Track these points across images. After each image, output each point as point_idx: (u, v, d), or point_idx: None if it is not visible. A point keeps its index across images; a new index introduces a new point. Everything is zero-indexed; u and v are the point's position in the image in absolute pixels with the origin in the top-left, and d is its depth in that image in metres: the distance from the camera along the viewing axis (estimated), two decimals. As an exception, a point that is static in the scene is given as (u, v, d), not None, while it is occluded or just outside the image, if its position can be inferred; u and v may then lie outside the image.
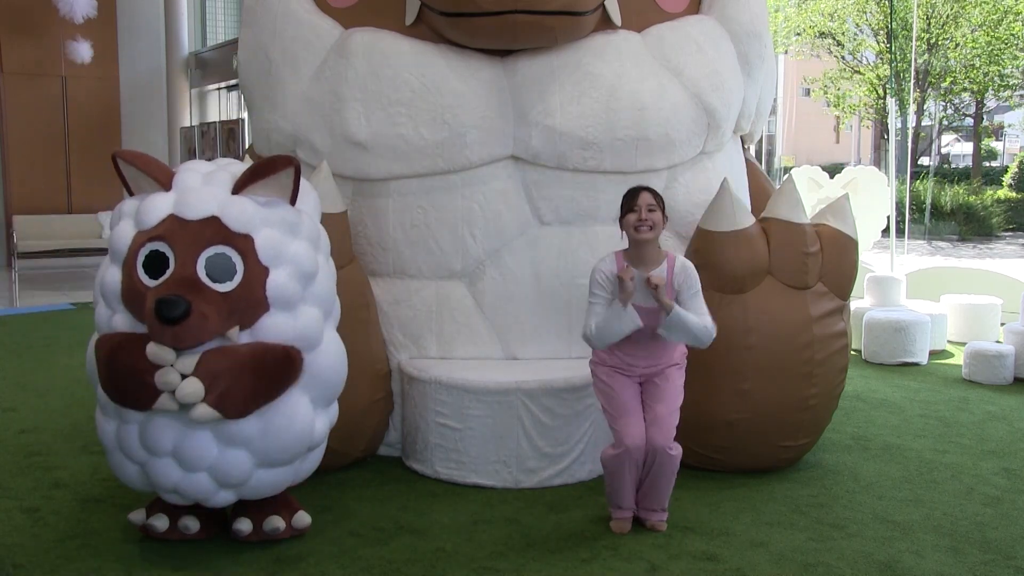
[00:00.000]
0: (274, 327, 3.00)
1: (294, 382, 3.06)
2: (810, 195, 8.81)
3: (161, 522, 3.24)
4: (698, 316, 3.31)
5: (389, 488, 3.88)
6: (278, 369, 2.99)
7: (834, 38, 20.48)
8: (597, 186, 4.08)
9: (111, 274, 3.06)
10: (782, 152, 19.77)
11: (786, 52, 20.29)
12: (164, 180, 3.08)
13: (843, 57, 20.76)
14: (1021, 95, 20.83)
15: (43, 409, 5.19)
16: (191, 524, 3.24)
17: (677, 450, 3.36)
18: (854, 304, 6.57)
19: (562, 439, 3.86)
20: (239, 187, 3.05)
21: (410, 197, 4.10)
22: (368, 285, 4.09)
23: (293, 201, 3.12)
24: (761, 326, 3.80)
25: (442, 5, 3.85)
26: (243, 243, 2.95)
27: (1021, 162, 20.94)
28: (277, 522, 3.26)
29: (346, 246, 3.97)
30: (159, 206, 3.00)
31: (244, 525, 3.24)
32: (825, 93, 21.21)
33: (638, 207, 3.30)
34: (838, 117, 22.66)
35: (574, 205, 4.10)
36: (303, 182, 3.18)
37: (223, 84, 13.82)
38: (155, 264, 2.93)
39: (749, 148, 5.02)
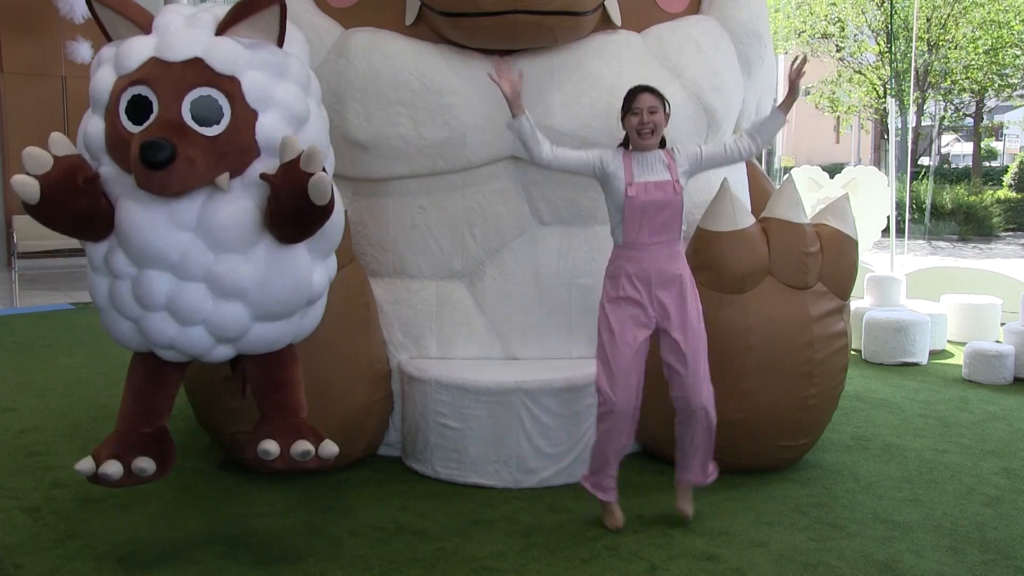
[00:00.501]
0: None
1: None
2: (810, 195, 8.82)
3: (115, 468, 2.99)
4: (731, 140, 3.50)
5: (389, 488, 3.89)
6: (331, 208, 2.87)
7: (836, 43, 20.48)
8: (597, 186, 4.07)
9: (93, 124, 2.91)
10: (782, 152, 19.77)
11: (786, 52, 20.29)
12: (144, 23, 2.93)
13: (843, 59, 20.76)
14: (1021, 95, 20.83)
15: (43, 409, 5.19)
16: (146, 466, 3.03)
17: (714, 408, 3.40)
18: (854, 304, 6.57)
19: (562, 439, 3.86)
20: (222, 28, 2.90)
21: (410, 197, 4.11)
22: (368, 285, 4.09)
23: (280, 43, 3.00)
24: (761, 326, 3.80)
25: (442, 5, 3.85)
26: (229, 85, 2.82)
27: (1021, 162, 20.94)
28: (306, 445, 3.05)
29: (346, 246, 3.97)
30: (139, 49, 2.86)
31: (271, 446, 3.03)
32: (821, 98, 21.22)
33: (639, 109, 3.32)
34: (838, 118, 22.66)
35: (574, 205, 4.11)
36: (290, 26, 3.06)
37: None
38: (138, 109, 2.79)
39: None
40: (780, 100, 3.61)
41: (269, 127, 2.88)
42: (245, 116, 2.84)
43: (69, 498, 3.77)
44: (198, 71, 2.81)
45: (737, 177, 4.52)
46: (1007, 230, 19.06)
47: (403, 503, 3.72)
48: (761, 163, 9.22)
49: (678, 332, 3.39)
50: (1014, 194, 20.02)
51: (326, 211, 2.85)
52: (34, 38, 12.27)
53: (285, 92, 2.96)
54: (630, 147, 3.47)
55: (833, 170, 10.78)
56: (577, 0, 3.83)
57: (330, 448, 3.10)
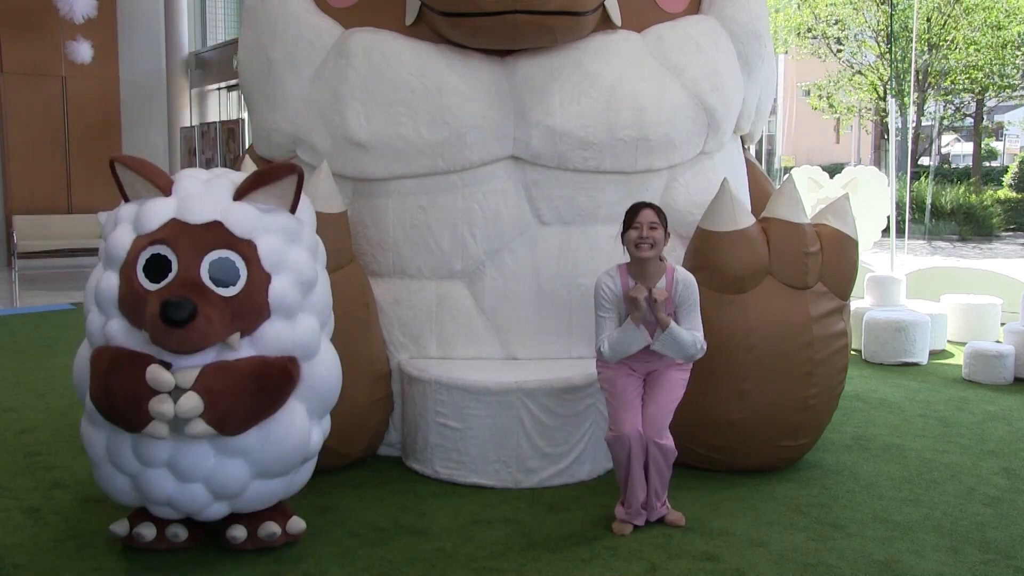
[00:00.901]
0: (274, 334, 2.98)
1: (291, 394, 3.04)
2: (810, 195, 8.81)
3: (149, 531, 3.17)
4: (691, 332, 3.35)
5: (389, 488, 3.88)
6: (278, 385, 2.98)
7: (837, 41, 20.48)
8: (597, 186, 4.08)
9: (107, 280, 3.00)
10: (782, 152, 19.77)
11: (786, 52, 20.29)
12: (164, 186, 3.04)
13: (844, 59, 20.76)
14: (1022, 95, 20.83)
15: (43, 409, 5.19)
16: (179, 532, 3.18)
17: (668, 441, 3.40)
18: (854, 304, 6.57)
19: (562, 439, 3.86)
20: (241, 193, 3.03)
21: (410, 197, 4.10)
22: (368, 285, 4.09)
23: (293, 210, 3.11)
24: (761, 326, 3.80)
25: (442, 5, 3.85)
26: (246, 248, 2.94)
27: (1021, 162, 20.93)
28: (273, 527, 3.21)
29: (346, 246, 3.98)
30: (160, 210, 2.97)
31: (239, 532, 3.19)
32: (820, 99, 21.21)
33: (639, 224, 3.32)
34: (838, 119, 22.65)
35: (574, 205, 4.11)
36: (302, 194, 3.17)
37: (223, 84, 13.83)
38: (156, 268, 2.89)
39: (749, 148, 5.02)
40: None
41: (281, 290, 3.00)
42: (260, 279, 2.95)
43: (69, 498, 3.77)
44: (217, 234, 2.93)
45: (737, 177, 4.51)
46: (1007, 230, 19.06)
47: (403, 503, 3.72)
48: (761, 163, 9.23)
49: (649, 378, 3.44)
50: (1014, 194, 20.01)
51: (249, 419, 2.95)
52: (34, 38, 12.27)
53: (297, 257, 3.07)
54: (630, 264, 3.42)
55: (833, 170, 10.77)
56: (577, 0, 3.83)
57: (297, 524, 3.26)
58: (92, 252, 11.37)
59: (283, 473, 3.12)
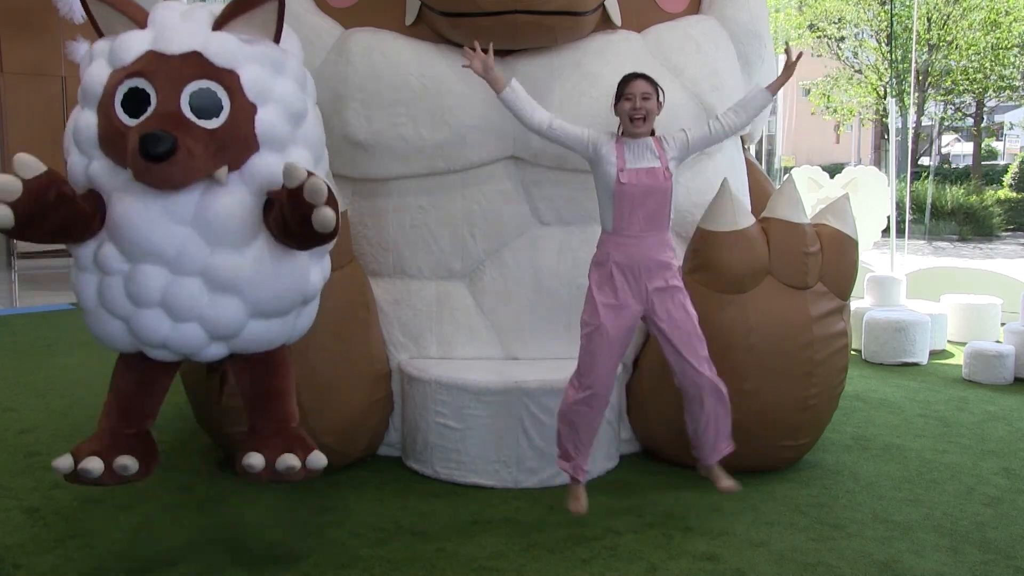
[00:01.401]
0: (264, 168, 2.84)
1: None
2: (810, 195, 8.82)
3: (94, 465, 2.91)
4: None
5: (389, 488, 3.88)
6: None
7: (839, 40, 20.48)
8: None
9: (84, 118, 2.86)
10: (782, 152, 19.77)
11: (786, 52, 20.28)
12: (139, 18, 2.89)
13: (844, 58, 20.76)
14: (1022, 95, 20.83)
15: (43, 409, 5.19)
16: (129, 463, 2.95)
17: (720, 384, 3.42)
18: (854, 304, 6.57)
19: (562, 439, 3.86)
20: (220, 23, 2.88)
21: (410, 197, 4.10)
22: (368, 285, 4.09)
23: (277, 40, 2.99)
24: (761, 326, 3.80)
25: (442, 5, 3.85)
26: (228, 78, 2.79)
27: (1021, 162, 20.93)
28: (292, 460, 2.98)
29: (346, 246, 3.97)
30: (136, 42, 2.83)
31: (256, 460, 2.96)
32: (820, 98, 21.21)
33: (632, 95, 3.34)
34: (839, 121, 22.66)
35: (574, 205, 4.10)
36: (286, 26, 3.05)
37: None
38: (135, 102, 2.75)
39: (749, 148, 5.02)
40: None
41: (268, 121, 2.86)
42: (244, 109, 2.81)
43: (69, 498, 3.77)
44: (197, 64, 2.78)
45: (737, 177, 4.51)
46: (1007, 230, 19.06)
47: (403, 503, 3.72)
48: (761, 163, 9.23)
49: (665, 321, 3.40)
50: (1014, 194, 20.02)
51: (331, 236, 2.81)
52: (34, 38, 12.27)
53: (283, 88, 2.94)
54: (621, 134, 3.48)
55: (833, 170, 10.78)
56: (577, 0, 3.83)
57: (318, 459, 3.03)
58: (92, 252, 11.36)
59: (281, 313, 2.99)
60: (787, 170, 15.49)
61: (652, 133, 3.49)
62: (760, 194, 4.57)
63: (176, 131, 2.65)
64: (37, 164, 2.71)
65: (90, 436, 3.03)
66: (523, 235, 4.13)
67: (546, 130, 3.49)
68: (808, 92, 22.25)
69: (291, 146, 2.96)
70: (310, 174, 2.67)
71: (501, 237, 4.11)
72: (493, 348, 4.17)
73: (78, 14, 11.65)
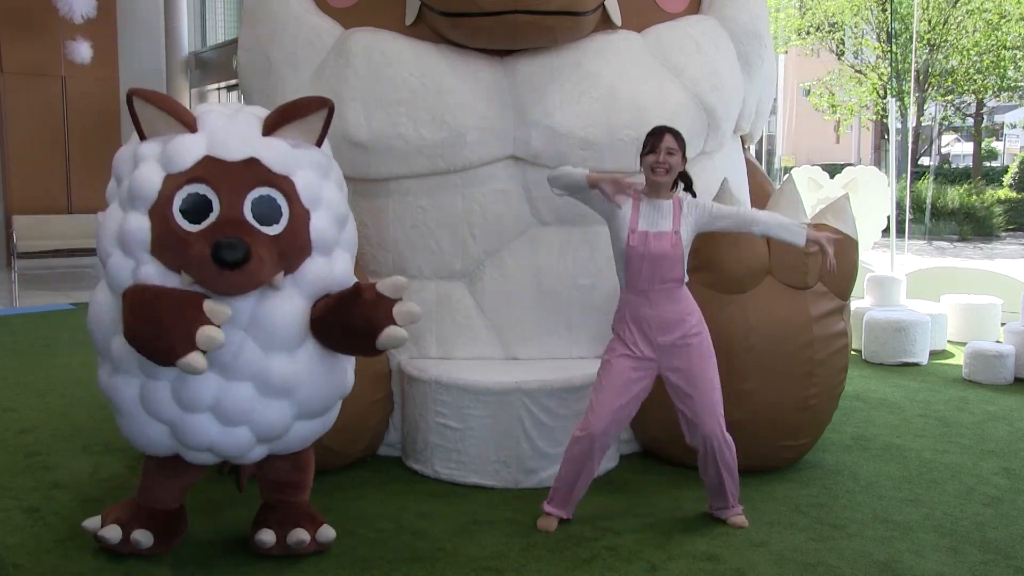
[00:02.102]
0: (314, 271, 2.91)
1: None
2: (810, 195, 8.82)
3: (113, 533, 3.10)
4: (752, 212, 3.48)
5: (389, 488, 3.88)
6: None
7: (836, 41, 20.47)
8: (597, 186, 4.08)
9: (134, 221, 2.80)
10: (782, 152, 19.77)
11: (786, 52, 20.28)
12: (188, 121, 2.86)
13: (844, 57, 20.74)
14: (1022, 95, 20.83)
15: (43, 409, 5.19)
16: (142, 539, 3.09)
17: (728, 439, 3.43)
18: (854, 304, 6.57)
19: (562, 439, 3.85)
20: (269, 128, 2.91)
21: (410, 197, 4.10)
22: (368, 285, 4.09)
23: (320, 144, 3.03)
24: (761, 326, 3.80)
25: (442, 5, 3.85)
26: (286, 185, 2.84)
27: (1021, 162, 20.93)
28: (302, 535, 3.14)
29: (346, 246, 3.98)
30: (192, 147, 2.82)
31: (268, 536, 3.12)
32: (820, 97, 21.20)
33: (659, 149, 3.35)
34: (838, 120, 22.65)
35: (574, 205, 4.08)
36: None
37: (223, 84, 13.83)
38: (196, 208, 2.76)
39: (749, 148, 5.02)
40: (807, 220, 3.64)
41: (321, 226, 2.93)
42: (301, 215, 2.87)
43: (69, 498, 3.77)
44: (257, 171, 2.82)
45: (737, 177, 4.51)
46: (1007, 230, 19.06)
47: (403, 503, 3.72)
48: (761, 163, 9.23)
49: (679, 373, 3.40)
50: (1014, 194, 20.02)
51: (375, 352, 2.88)
52: (34, 38, 12.26)
53: (330, 192, 3.01)
54: (645, 188, 3.45)
55: (833, 170, 10.77)
56: (577, 0, 3.83)
57: (327, 533, 3.19)
58: (92, 252, 11.30)
59: (324, 412, 3.05)
60: (787, 170, 15.48)
61: (676, 186, 3.46)
62: (760, 194, 4.57)
63: (246, 238, 2.68)
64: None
65: (124, 501, 3.26)
66: (523, 235, 4.13)
67: (582, 180, 3.48)
68: (808, 92, 22.24)
69: (337, 249, 3.02)
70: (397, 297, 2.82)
71: (501, 237, 4.11)
72: (493, 348, 4.17)
73: (78, 14, 11.65)
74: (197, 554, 3.23)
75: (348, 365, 3.14)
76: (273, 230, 2.80)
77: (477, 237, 4.09)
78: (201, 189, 2.77)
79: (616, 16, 4.11)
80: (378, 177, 4.08)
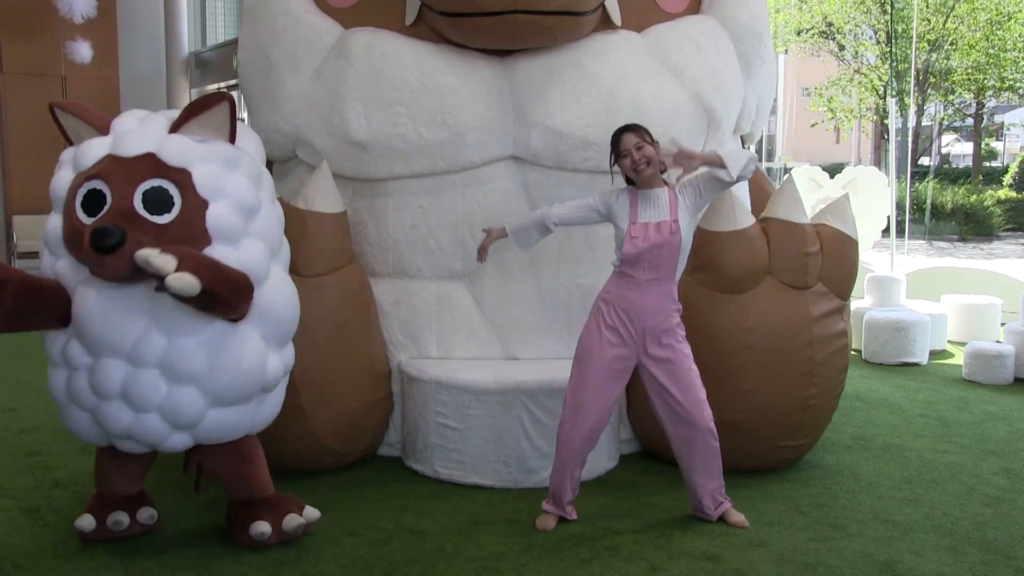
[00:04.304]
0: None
1: (247, 306, 3.03)
2: (810, 195, 8.81)
3: (86, 522, 3.22)
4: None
5: (389, 488, 3.88)
6: (241, 281, 2.96)
7: (836, 40, 20.46)
8: (597, 186, 4.05)
9: (52, 220, 3.09)
10: (782, 152, 19.76)
11: (786, 52, 20.27)
12: (102, 126, 3.13)
13: (844, 59, 20.74)
14: (1022, 95, 20.83)
15: (43, 409, 5.19)
16: (121, 519, 3.23)
17: (713, 428, 3.43)
18: (854, 304, 6.57)
19: (562, 439, 3.86)
20: (176, 126, 3.08)
21: (410, 197, 4.10)
22: (368, 285, 4.09)
23: (232, 139, 3.15)
24: (761, 326, 3.80)
25: (442, 5, 3.85)
26: (180, 176, 2.97)
27: (1021, 162, 20.92)
28: (297, 520, 3.25)
29: (346, 246, 3.98)
30: (96, 148, 3.05)
31: (264, 527, 3.21)
32: (819, 99, 21.19)
33: (627, 151, 3.37)
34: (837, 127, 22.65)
35: (574, 205, 4.10)
36: (246, 128, 3.23)
37: (223, 84, 13.82)
38: (93, 202, 2.94)
39: (749, 148, 5.02)
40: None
41: (220, 215, 3.01)
42: (196, 205, 2.97)
43: (69, 498, 3.77)
44: (150, 164, 2.97)
45: (737, 177, 4.51)
46: (1007, 230, 19.05)
47: (403, 503, 3.72)
48: (761, 163, 9.22)
49: (661, 364, 3.40)
50: (1014, 194, 20.01)
51: (213, 299, 2.85)
52: (34, 38, 12.25)
53: (236, 183, 3.10)
54: (637, 186, 3.47)
55: (833, 170, 10.76)
56: (577, 0, 3.83)
57: (312, 512, 3.33)
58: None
59: (240, 401, 3.11)
60: (787, 170, 15.47)
61: (668, 182, 3.47)
62: (760, 194, 4.57)
63: (126, 225, 2.82)
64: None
65: (90, 495, 3.41)
66: (523, 235, 4.13)
67: (557, 222, 3.58)
68: (808, 93, 22.22)
69: (244, 239, 3.09)
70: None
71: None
72: (493, 348, 4.17)
73: (78, 14, 11.65)
74: (197, 552, 3.23)
75: (273, 353, 3.17)
76: (163, 219, 2.92)
77: (477, 237, 4.09)
78: (97, 184, 2.97)
79: (616, 16, 4.11)
80: (378, 177, 4.08)
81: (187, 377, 2.97)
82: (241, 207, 3.08)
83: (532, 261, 4.12)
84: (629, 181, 3.48)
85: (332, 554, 3.23)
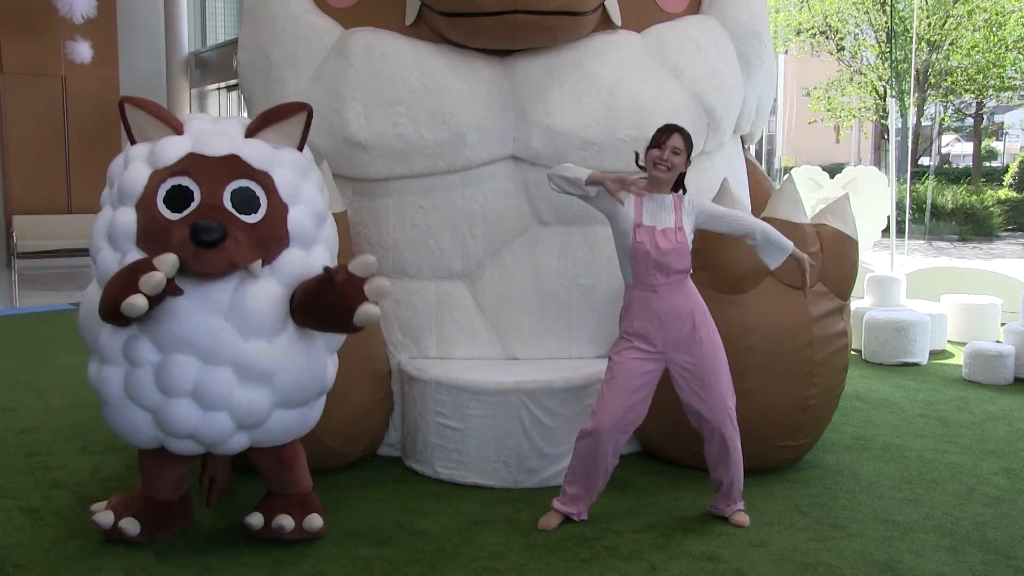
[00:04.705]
0: (292, 263, 3.06)
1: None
2: (810, 195, 8.80)
3: (106, 519, 3.22)
4: (748, 218, 3.48)
5: (389, 488, 3.88)
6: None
7: (836, 40, 20.46)
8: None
9: (122, 215, 3.02)
10: (782, 152, 19.75)
11: (786, 52, 20.27)
12: (176, 125, 3.12)
13: (844, 60, 20.74)
14: (1022, 95, 20.82)
15: (43, 409, 5.19)
16: (128, 527, 3.21)
17: (738, 432, 3.44)
18: (854, 304, 6.57)
19: (562, 439, 3.86)
20: (252, 131, 3.14)
21: (410, 197, 4.10)
22: (368, 285, 4.09)
23: (301, 147, 3.21)
24: (761, 326, 3.80)
25: (442, 5, 3.85)
26: (264, 179, 3.03)
27: (1021, 162, 20.92)
28: (285, 520, 3.24)
29: (346, 246, 3.97)
30: (177, 146, 3.04)
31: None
32: (819, 100, 21.19)
33: (665, 146, 3.37)
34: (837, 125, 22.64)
35: (574, 205, 4.08)
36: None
37: (223, 84, 13.84)
38: (178, 198, 2.94)
39: (749, 148, 5.02)
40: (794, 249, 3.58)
41: (298, 220, 3.10)
42: (279, 208, 3.04)
43: (69, 498, 3.77)
44: (236, 165, 3.02)
45: (737, 177, 4.51)
46: (1007, 230, 19.05)
47: (403, 503, 3.72)
48: (761, 163, 9.23)
49: (690, 363, 3.41)
50: (1014, 194, 20.01)
51: (354, 329, 2.99)
52: (34, 38, 12.26)
53: (309, 190, 3.17)
54: (645, 184, 3.46)
55: (833, 170, 10.75)
56: (577, 0, 3.83)
57: (314, 522, 3.30)
58: (91, 252, 11.32)
59: (302, 403, 3.14)
60: (787, 170, 15.47)
61: (676, 189, 3.48)
62: (760, 194, 4.57)
63: (224, 222, 2.85)
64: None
65: (130, 491, 3.39)
66: (523, 235, 4.13)
67: (587, 189, 3.50)
68: (808, 93, 22.21)
69: (315, 244, 3.15)
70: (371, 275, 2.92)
71: (501, 237, 4.11)
72: (493, 348, 4.17)
73: (78, 14, 11.66)
74: (197, 552, 3.23)
75: (329, 359, 3.23)
76: (252, 218, 2.98)
77: (477, 237, 4.09)
78: (184, 181, 2.97)
79: (616, 16, 4.11)
80: (378, 177, 4.08)
81: (260, 377, 2.98)
82: (315, 213, 3.16)
83: (532, 261, 4.12)
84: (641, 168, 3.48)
85: (332, 554, 3.23)
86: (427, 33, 4.03)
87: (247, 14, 4.40)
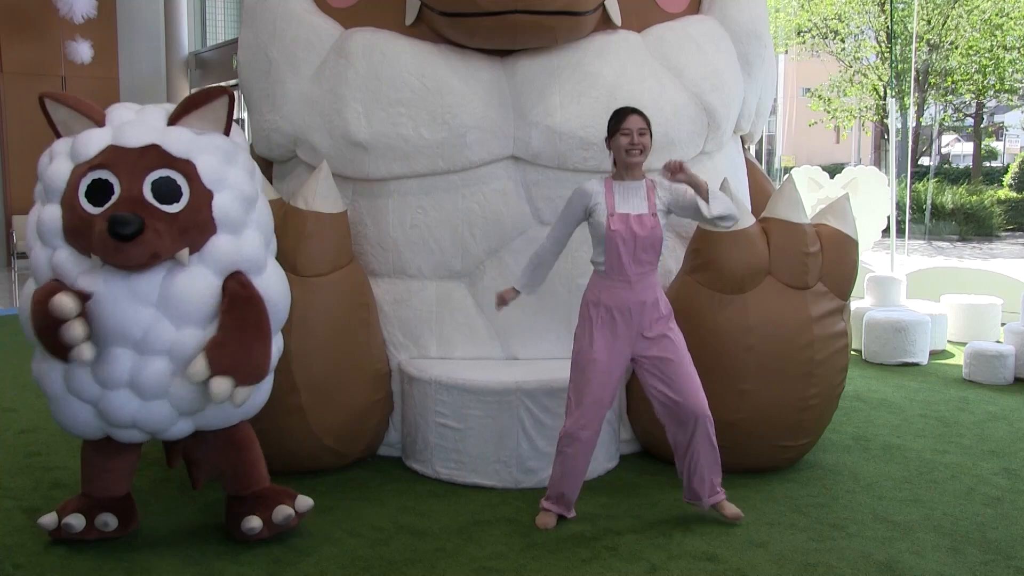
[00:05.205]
0: (221, 249, 3.06)
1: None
2: (810, 195, 8.80)
3: (77, 521, 3.22)
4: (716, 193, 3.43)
5: (389, 488, 3.88)
6: (258, 311, 3.05)
7: (838, 37, 20.46)
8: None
9: (48, 212, 3.05)
10: (782, 152, 19.75)
11: (786, 52, 20.27)
12: (98, 118, 3.11)
13: (844, 60, 20.74)
14: (1022, 95, 20.83)
15: (43, 409, 5.18)
16: (109, 520, 3.24)
17: (709, 415, 3.43)
18: (854, 304, 6.57)
19: (562, 439, 3.86)
20: (174, 119, 3.11)
21: (410, 197, 4.10)
22: (368, 285, 4.09)
23: (227, 132, 3.19)
24: (761, 326, 3.80)
25: (442, 5, 3.85)
26: (186, 167, 3.01)
27: (1021, 162, 20.92)
28: (286, 510, 3.25)
29: (346, 246, 3.98)
30: (97, 139, 3.04)
31: (255, 523, 3.21)
32: (819, 100, 21.19)
33: (629, 130, 3.37)
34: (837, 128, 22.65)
35: (574, 205, 4.10)
36: (233, 125, 3.28)
37: (223, 84, 13.82)
38: (99, 192, 2.95)
39: (749, 148, 5.02)
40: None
41: (224, 205, 3.08)
42: (202, 195, 3.03)
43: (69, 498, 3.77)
44: (156, 155, 3.01)
45: (737, 177, 4.51)
46: (1007, 230, 19.05)
47: (403, 503, 3.72)
48: (761, 163, 9.23)
49: (657, 356, 3.41)
50: (1014, 194, 20.01)
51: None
52: (34, 38, 12.26)
53: (236, 174, 3.15)
54: (613, 172, 3.48)
55: (833, 170, 10.76)
56: (577, 0, 3.83)
57: (305, 501, 3.35)
58: (92, 252, 11.34)
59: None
60: (787, 170, 15.47)
61: (644, 176, 3.49)
62: (760, 194, 4.57)
63: (142, 213, 2.85)
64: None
65: (73, 497, 3.36)
66: (523, 235, 4.13)
67: (555, 247, 3.57)
68: (809, 94, 22.22)
69: (245, 229, 3.15)
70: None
71: (501, 237, 4.11)
72: (493, 348, 4.17)
73: (78, 14, 11.66)
74: (197, 552, 3.23)
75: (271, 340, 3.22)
76: (173, 208, 2.96)
77: (477, 237, 4.09)
78: (103, 174, 2.97)
79: (616, 16, 4.11)
80: (378, 177, 4.08)
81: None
82: (242, 198, 3.14)
83: (532, 261, 4.12)
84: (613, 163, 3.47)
85: (332, 554, 3.23)
86: (427, 33, 4.03)
87: (247, 14, 4.40)
